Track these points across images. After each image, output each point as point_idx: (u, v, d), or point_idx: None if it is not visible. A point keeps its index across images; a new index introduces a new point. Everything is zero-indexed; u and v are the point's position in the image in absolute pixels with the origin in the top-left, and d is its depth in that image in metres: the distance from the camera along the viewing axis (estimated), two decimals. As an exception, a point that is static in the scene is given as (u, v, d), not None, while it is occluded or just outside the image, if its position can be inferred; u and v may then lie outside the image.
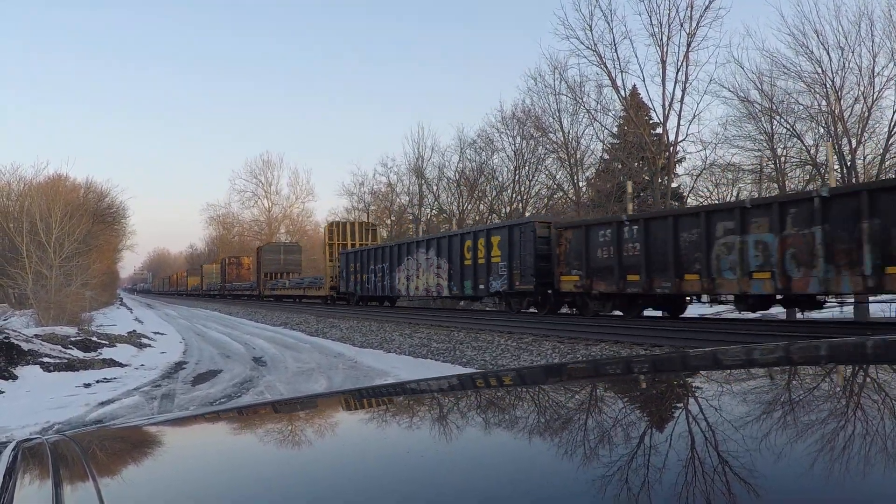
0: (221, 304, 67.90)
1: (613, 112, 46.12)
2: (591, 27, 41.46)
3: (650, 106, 44.53)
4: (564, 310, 27.15)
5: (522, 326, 22.29)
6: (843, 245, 15.92)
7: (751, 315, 20.92)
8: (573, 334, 19.59)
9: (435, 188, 62.11)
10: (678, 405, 1.78)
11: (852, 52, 35.57)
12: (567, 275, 24.52)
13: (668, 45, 39.65)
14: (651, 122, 45.91)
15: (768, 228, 17.39)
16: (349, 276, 43.67)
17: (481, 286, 28.85)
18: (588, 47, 41.54)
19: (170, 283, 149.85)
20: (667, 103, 40.29)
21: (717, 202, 32.36)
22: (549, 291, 26.03)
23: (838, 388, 1.85)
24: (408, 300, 42.01)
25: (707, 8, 38.30)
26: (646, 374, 2.42)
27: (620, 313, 23.42)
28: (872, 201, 15.38)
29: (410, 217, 66.17)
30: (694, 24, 38.75)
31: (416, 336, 23.06)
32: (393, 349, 20.33)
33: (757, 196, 34.75)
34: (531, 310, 27.43)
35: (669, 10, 39.61)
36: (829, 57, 35.95)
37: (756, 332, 16.87)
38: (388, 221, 70.73)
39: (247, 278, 77.78)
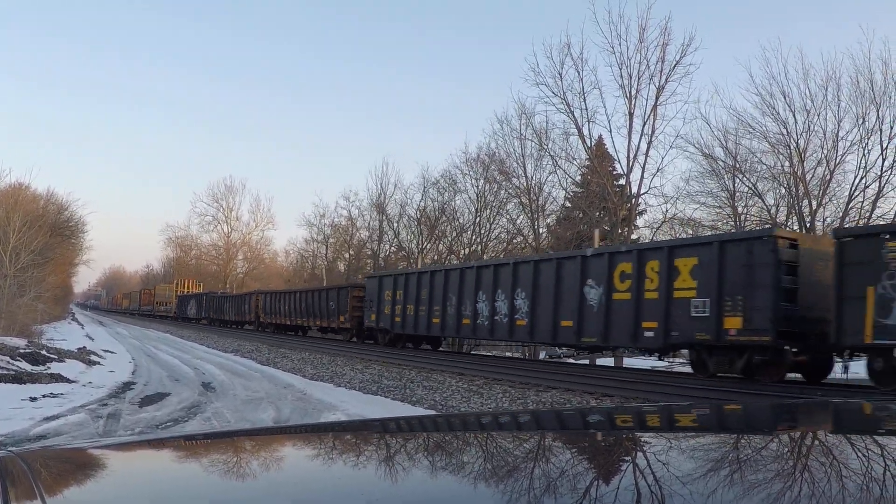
0: (173, 326, 69.14)
1: (578, 160, 46.41)
2: (560, 75, 41.59)
3: (615, 157, 44.79)
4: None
5: (473, 368, 22.25)
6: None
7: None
8: (523, 379, 19.62)
9: (395, 225, 62.06)
10: (626, 458, 1.80)
11: (818, 116, 36.23)
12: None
13: (636, 97, 40.04)
14: (615, 172, 46.28)
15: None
16: (180, 307, 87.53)
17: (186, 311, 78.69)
18: (556, 94, 41.81)
19: (113, 303, 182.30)
20: (632, 155, 40.63)
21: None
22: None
23: (786, 450, 1.88)
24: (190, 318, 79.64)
25: (677, 63, 38.79)
26: (597, 426, 2.42)
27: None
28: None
29: (369, 252, 66.09)
30: (663, 79, 39.20)
31: (367, 372, 23.00)
32: (343, 383, 20.30)
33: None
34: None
35: (640, 63, 39.98)
36: (795, 119, 36.61)
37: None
38: (347, 255, 70.56)
39: (151, 304, 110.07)
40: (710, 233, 40.31)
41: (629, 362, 34.96)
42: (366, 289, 36.92)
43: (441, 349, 36.08)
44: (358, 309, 37.61)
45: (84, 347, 29.12)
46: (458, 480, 1.59)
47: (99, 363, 24.04)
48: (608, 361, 34.69)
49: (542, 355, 41.11)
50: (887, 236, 15.32)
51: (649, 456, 1.77)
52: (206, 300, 74.65)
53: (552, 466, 1.69)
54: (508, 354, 40.71)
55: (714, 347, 18.09)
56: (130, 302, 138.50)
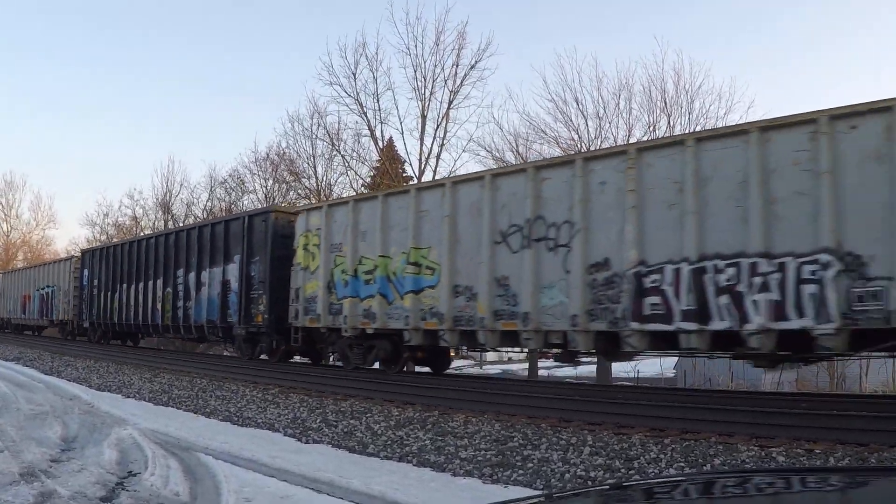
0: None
1: (369, 162, 46.65)
2: (354, 75, 41.67)
3: (406, 159, 45.27)
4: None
5: (268, 377, 21.79)
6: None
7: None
8: (320, 387, 19.25)
9: (182, 225, 60.95)
10: None
11: (609, 123, 37.61)
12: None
13: (430, 100, 40.55)
14: (406, 175, 46.63)
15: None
16: None
17: None
18: (350, 95, 41.89)
19: None
20: (423, 158, 41.17)
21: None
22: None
23: None
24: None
25: (472, 68, 39.49)
26: None
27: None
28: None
29: (154, 254, 64.46)
30: (457, 83, 39.85)
31: (156, 381, 22.46)
32: (132, 394, 19.87)
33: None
34: None
35: (435, 66, 40.52)
36: (587, 125, 37.77)
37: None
38: (132, 256, 68.72)
39: None
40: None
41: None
42: None
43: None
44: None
45: None
46: None
47: None
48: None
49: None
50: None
51: None
52: None
53: None
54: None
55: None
56: None
